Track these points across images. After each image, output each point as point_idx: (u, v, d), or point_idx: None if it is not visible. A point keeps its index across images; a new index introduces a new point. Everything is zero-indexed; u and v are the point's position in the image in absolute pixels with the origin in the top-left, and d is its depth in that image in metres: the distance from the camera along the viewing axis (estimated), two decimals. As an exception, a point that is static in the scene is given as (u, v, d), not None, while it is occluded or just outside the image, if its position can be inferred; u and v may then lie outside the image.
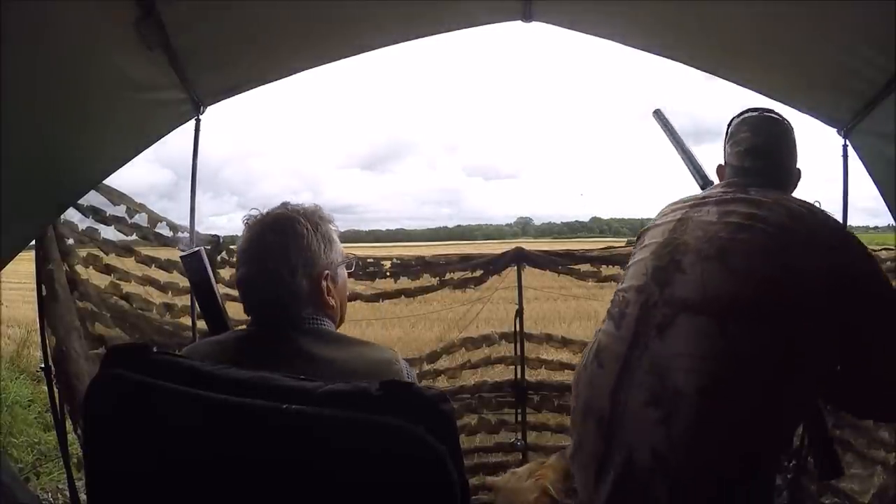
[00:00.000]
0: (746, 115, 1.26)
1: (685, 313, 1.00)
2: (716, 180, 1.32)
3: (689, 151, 1.50)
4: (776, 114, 1.25)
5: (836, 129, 1.74)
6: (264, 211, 0.92)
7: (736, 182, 1.17)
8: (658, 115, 1.55)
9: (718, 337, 0.96)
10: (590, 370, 1.11)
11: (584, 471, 1.09)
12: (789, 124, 1.24)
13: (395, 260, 2.25)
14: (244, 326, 0.94)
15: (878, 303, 1.01)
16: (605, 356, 1.08)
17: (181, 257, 1.25)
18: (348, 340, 0.90)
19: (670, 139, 1.54)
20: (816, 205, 1.14)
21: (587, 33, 1.69)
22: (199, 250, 1.15)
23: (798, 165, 1.24)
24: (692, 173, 1.48)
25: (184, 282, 1.98)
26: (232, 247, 2.15)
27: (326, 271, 0.90)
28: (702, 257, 1.03)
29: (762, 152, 1.20)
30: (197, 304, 1.54)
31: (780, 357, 0.95)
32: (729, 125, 1.27)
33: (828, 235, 1.03)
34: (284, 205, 0.93)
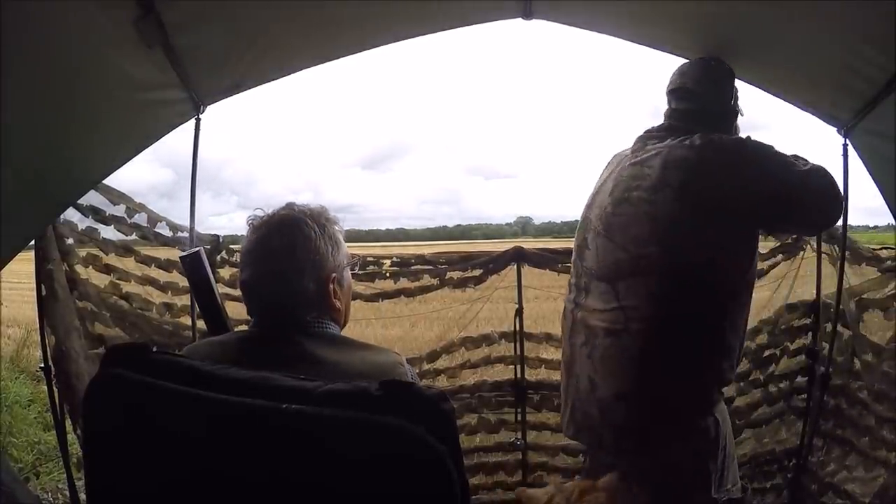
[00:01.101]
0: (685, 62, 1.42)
1: (594, 280, 1.33)
2: None
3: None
4: (714, 60, 1.39)
5: (836, 129, 1.73)
6: (269, 212, 0.91)
7: (645, 135, 1.35)
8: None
9: (612, 294, 1.28)
10: (562, 326, 1.46)
11: (562, 402, 1.44)
12: (724, 69, 1.38)
13: (395, 259, 2.25)
14: (245, 327, 0.94)
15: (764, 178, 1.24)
16: (565, 314, 1.44)
17: (181, 257, 1.26)
18: (353, 344, 0.90)
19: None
20: None
21: (588, 29, 1.68)
22: (198, 251, 1.15)
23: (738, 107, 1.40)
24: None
25: (184, 282, 1.98)
26: (232, 246, 2.15)
27: (333, 274, 0.90)
28: (596, 234, 1.34)
29: (685, 94, 1.35)
30: (196, 305, 1.54)
31: (661, 302, 1.24)
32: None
33: (704, 175, 1.23)
34: (290, 205, 0.92)
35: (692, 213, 1.21)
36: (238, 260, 2.11)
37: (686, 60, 1.44)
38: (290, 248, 0.86)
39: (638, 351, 1.24)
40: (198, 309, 1.92)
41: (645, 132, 1.36)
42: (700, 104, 1.34)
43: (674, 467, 1.23)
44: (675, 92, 1.37)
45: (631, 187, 1.28)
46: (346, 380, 0.67)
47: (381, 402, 0.59)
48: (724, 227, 1.22)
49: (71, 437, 1.71)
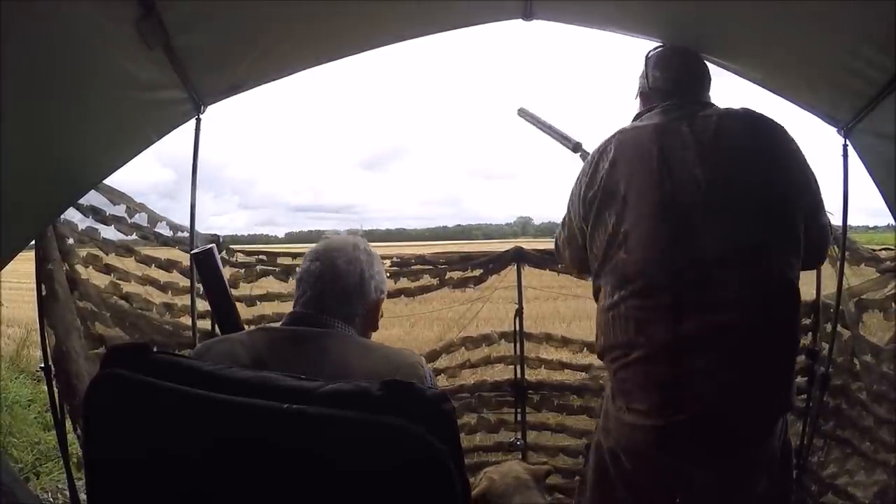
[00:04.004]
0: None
1: (713, 268, 1.11)
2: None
3: (564, 134, 1.64)
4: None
5: (836, 129, 1.73)
6: (333, 236, 1.01)
7: (664, 109, 1.26)
8: (523, 113, 1.72)
9: (739, 282, 1.12)
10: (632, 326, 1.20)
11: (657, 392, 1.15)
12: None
13: (395, 259, 2.25)
14: (272, 325, 0.98)
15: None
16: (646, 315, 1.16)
17: (193, 255, 1.25)
18: (374, 346, 0.93)
19: (544, 131, 1.69)
20: None
21: (589, 27, 1.69)
22: (211, 248, 1.15)
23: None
24: (555, 136, 1.66)
25: (184, 282, 1.98)
26: (232, 246, 2.16)
27: (378, 299, 0.99)
28: (704, 216, 1.13)
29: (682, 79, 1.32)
30: (208, 303, 1.54)
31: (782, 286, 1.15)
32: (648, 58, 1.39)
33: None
34: (353, 232, 1.03)
35: (790, 187, 1.17)
36: (238, 260, 2.13)
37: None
38: (353, 276, 0.95)
39: (772, 340, 1.12)
40: (199, 308, 1.92)
41: (661, 108, 1.27)
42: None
43: (784, 455, 1.20)
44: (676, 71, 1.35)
45: (723, 160, 1.16)
46: (368, 380, 0.68)
47: (381, 402, 0.59)
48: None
49: (71, 437, 1.71)
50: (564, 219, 1.37)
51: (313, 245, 0.99)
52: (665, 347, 1.12)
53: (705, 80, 1.34)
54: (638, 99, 1.40)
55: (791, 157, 1.20)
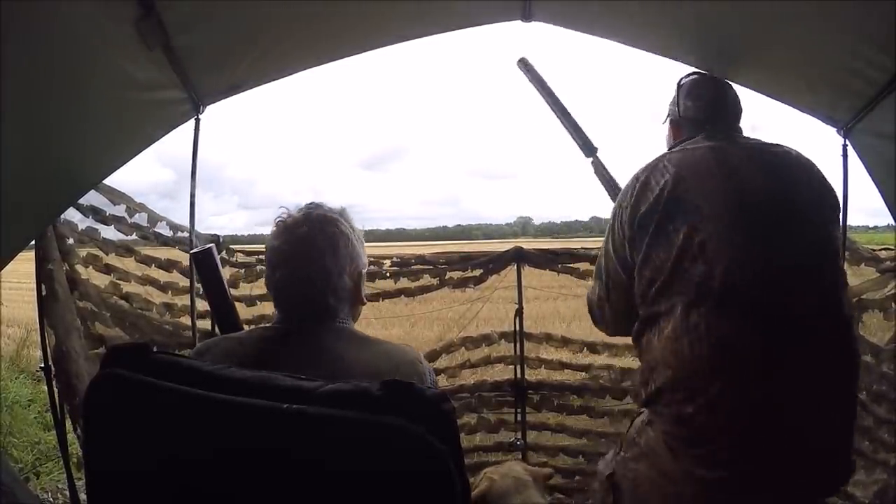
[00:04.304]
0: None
1: (794, 275, 1.06)
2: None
3: (563, 105, 1.55)
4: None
5: (835, 129, 1.74)
6: (300, 212, 0.92)
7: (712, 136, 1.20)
8: (524, 64, 1.59)
9: (819, 291, 1.08)
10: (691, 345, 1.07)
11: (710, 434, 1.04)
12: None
13: (395, 259, 2.25)
14: (268, 324, 0.96)
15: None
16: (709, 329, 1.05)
17: (192, 254, 1.25)
18: (372, 340, 0.92)
19: (540, 92, 1.57)
20: None
21: (587, 33, 1.69)
22: (210, 248, 1.15)
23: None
24: (568, 130, 1.56)
25: (184, 281, 1.98)
26: (232, 246, 2.16)
27: (363, 270, 0.95)
28: (778, 222, 1.08)
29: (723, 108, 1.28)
30: (207, 303, 1.54)
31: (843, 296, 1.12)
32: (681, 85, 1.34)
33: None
34: (320, 205, 0.94)
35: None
36: (239, 260, 2.13)
37: (691, 70, 1.41)
38: (333, 246, 0.89)
39: (848, 359, 1.07)
40: (199, 308, 1.92)
41: (702, 136, 1.22)
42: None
43: None
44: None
45: (780, 172, 1.13)
46: (366, 377, 0.68)
47: (381, 402, 0.59)
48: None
49: (71, 437, 1.71)
50: (596, 272, 1.26)
51: (280, 222, 0.91)
52: (755, 366, 1.00)
53: (738, 109, 1.29)
54: (667, 125, 1.37)
55: (829, 187, 1.19)
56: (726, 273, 1.02)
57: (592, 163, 1.55)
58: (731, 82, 1.34)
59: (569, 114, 1.57)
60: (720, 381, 1.00)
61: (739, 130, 1.25)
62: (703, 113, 1.26)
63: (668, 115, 1.37)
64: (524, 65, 1.59)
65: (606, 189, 1.52)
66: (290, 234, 0.89)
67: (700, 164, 1.13)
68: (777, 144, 1.20)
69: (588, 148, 1.56)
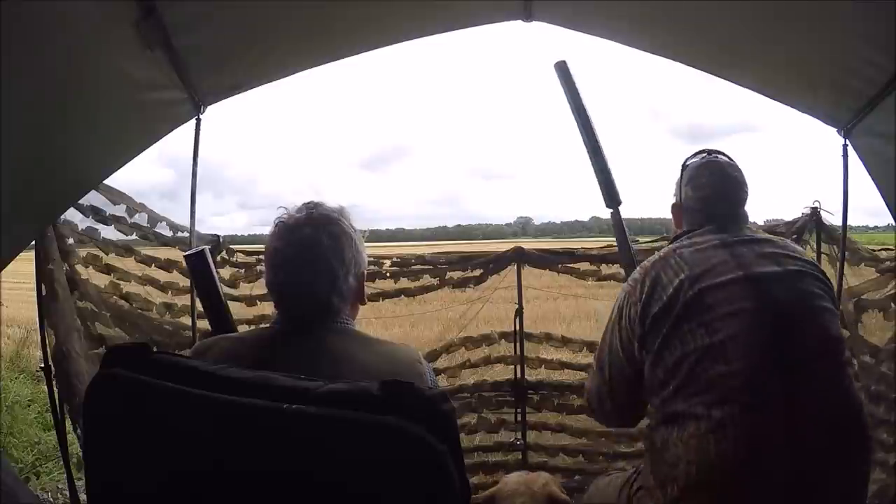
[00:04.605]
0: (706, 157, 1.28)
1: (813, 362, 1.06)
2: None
3: (589, 119, 1.45)
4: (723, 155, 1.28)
5: (835, 129, 1.74)
6: (297, 213, 0.90)
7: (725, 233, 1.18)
8: (560, 68, 1.46)
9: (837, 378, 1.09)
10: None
11: None
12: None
13: (395, 259, 2.25)
14: (267, 325, 0.95)
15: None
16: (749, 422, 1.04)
17: (185, 256, 1.25)
18: (374, 340, 0.91)
19: (570, 105, 1.46)
20: (816, 205, 1.17)
21: (588, 33, 1.69)
22: (203, 249, 1.15)
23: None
24: (586, 143, 1.45)
25: (184, 281, 1.98)
26: (233, 246, 2.16)
27: (365, 270, 0.95)
28: (794, 316, 1.07)
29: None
30: (199, 304, 1.54)
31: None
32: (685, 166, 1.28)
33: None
34: (320, 204, 0.92)
35: None
36: (239, 260, 2.13)
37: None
38: (339, 247, 0.88)
39: (864, 444, 1.09)
40: (199, 308, 1.92)
41: (706, 230, 1.20)
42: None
43: None
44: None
45: (790, 260, 1.14)
46: (367, 377, 0.67)
47: (381, 402, 0.59)
48: None
49: (71, 437, 1.71)
50: (597, 364, 1.22)
51: (281, 222, 0.90)
52: (783, 462, 1.00)
53: (741, 195, 1.24)
54: (672, 207, 1.32)
55: (825, 274, 1.20)
56: (748, 372, 1.02)
57: (612, 214, 1.47)
58: (731, 164, 1.25)
59: (600, 150, 1.45)
60: (749, 478, 1.00)
61: (744, 216, 1.23)
62: (706, 204, 1.22)
63: (674, 195, 1.31)
64: (561, 69, 1.46)
65: (619, 246, 1.46)
66: (293, 234, 0.88)
67: (714, 263, 1.11)
68: (772, 236, 1.24)
69: (612, 198, 1.46)
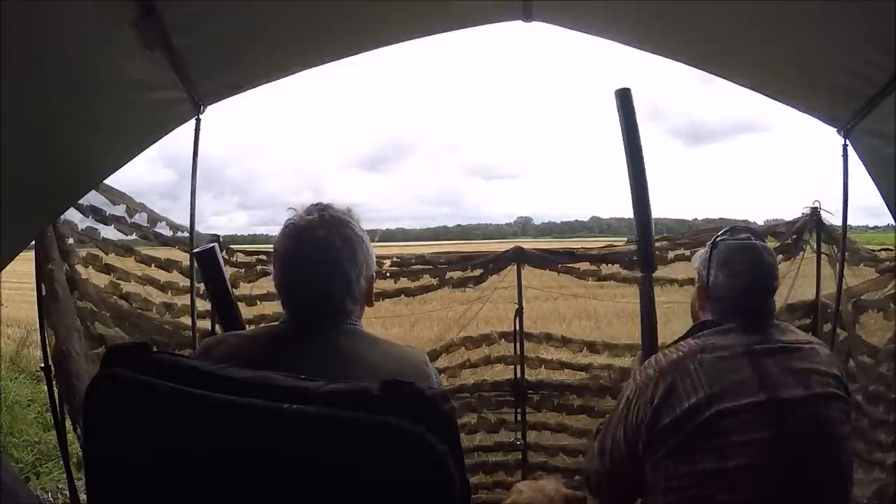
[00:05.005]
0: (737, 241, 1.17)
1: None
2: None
3: (642, 159, 1.34)
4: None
5: (836, 129, 1.74)
6: (308, 214, 0.90)
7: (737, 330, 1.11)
8: (623, 96, 1.32)
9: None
10: None
11: None
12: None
13: (395, 259, 2.25)
14: (276, 323, 0.95)
15: None
16: None
17: (194, 253, 1.24)
18: (382, 341, 0.91)
19: (624, 132, 1.33)
20: (816, 205, 1.14)
21: (587, 33, 1.69)
22: (213, 247, 1.14)
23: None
24: (632, 187, 1.34)
25: (184, 281, 1.98)
26: (233, 246, 2.16)
27: (374, 272, 0.95)
28: (817, 440, 1.03)
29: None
30: (209, 302, 1.52)
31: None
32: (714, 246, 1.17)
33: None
34: (326, 206, 0.91)
35: None
36: (239, 260, 2.13)
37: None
38: (351, 249, 0.88)
39: None
40: (199, 308, 1.92)
41: (737, 325, 1.12)
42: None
43: None
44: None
45: (812, 380, 1.06)
46: (376, 377, 0.67)
47: (381, 402, 0.59)
48: None
49: (71, 437, 1.71)
50: (598, 449, 1.17)
51: (292, 223, 0.89)
52: None
53: (773, 283, 1.16)
54: (697, 288, 1.22)
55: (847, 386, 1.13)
56: (753, 501, 1.00)
57: (643, 279, 1.38)
58: (765, 248, 1.16)
59: (646, 199, 1.34)
60: None
61: (773, 307, 1.15)
62: (739, 294, 1.13)
63: (697, 273, 1.22)
64: (623, 97, 1.32)
65: (643, 313, 1.38)
66: (306, 235, 0.87)
67: (735, 380, 1.04)
68: (802, 339, 1.12)
69: (647, 264, 1.39)
